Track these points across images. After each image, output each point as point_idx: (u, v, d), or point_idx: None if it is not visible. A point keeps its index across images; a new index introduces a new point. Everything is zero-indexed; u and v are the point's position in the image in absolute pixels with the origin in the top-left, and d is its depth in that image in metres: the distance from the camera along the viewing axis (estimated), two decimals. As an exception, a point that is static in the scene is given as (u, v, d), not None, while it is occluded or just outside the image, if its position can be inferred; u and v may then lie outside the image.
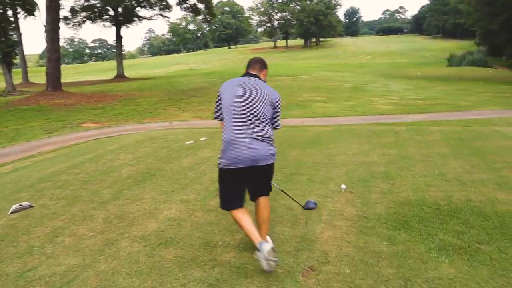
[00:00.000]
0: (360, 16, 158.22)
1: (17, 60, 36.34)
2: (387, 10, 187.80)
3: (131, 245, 3.64)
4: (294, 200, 4.43)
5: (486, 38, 57.27)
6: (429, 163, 5.88)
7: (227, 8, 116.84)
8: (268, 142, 3.22)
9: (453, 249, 3.33)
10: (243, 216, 3.27)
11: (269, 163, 3.25)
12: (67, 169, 6.54)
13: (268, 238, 3.41)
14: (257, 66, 3.50)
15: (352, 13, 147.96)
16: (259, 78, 3.43)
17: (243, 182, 3.32)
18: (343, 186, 4.81)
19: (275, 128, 3.42)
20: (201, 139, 8.17)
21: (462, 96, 19.20)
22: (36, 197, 5.17)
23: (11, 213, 4.63)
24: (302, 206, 4.29)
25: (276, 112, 3.35)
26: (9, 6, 29.92)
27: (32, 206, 4.80)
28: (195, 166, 6.18)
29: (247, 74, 3.43)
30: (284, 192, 4.40)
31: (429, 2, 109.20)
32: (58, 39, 23.17)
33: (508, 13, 46.13)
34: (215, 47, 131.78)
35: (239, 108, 3.17)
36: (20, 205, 4.77)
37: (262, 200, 3.37)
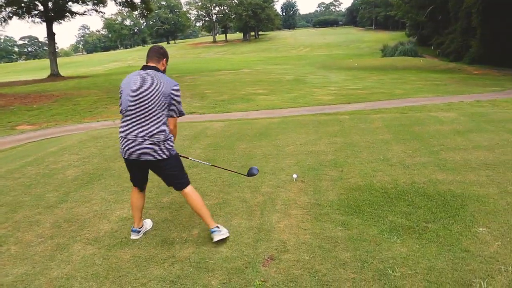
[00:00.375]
0: (297, 9, 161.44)
1: None
2: (322, 3, 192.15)
3: (84, 248, 3.51)
4: (235, 171, 4.61)
5: (415, 29, 60.27)
6: (374, 149, 6.13)
7: (164, 3, 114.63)
8: (156, 139, 3.27)
9: (403, 230, 3.50)
10: (133, 194, 3.68)
11: (157, 158, 3.30)
12: (5, 174, 6.16)
13: None
14: (154, 57, 3.50)
15: (289, 6, 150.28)
16: (158, 69, 3.42)
17: (136, 170, 3.55)
18: (294, 176, 4.90)
19: (179, 116, 3.45)
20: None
21: (397, 85, 20.10)
22: (-27, 205, 4.84)
23: None
24: (244, 175, 4.29)
25: (172, 103, 3.32)
26: None
27: (-30, 215, 4.50)
28: (144, 164, 6.04)
29: (144, 67, 3.46)
30: (217, 167, 4.61)
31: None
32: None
33: (434, 5, 48.80)
34: (153, 42, 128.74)
35: (131, 106, 3.28)
36: (-44, 214, 4.45)
37: (182, 194, 3.55)
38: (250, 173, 4.17)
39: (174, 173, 3.45)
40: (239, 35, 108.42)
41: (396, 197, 4.23)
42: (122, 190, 4.90)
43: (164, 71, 3.50)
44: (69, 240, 3.68)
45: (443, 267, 2.90)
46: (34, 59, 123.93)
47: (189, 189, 3.50)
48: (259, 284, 2.84)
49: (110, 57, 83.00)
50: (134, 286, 2.91)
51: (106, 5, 38.78)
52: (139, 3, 37.63)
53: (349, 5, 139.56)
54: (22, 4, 34.49)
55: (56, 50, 40.39)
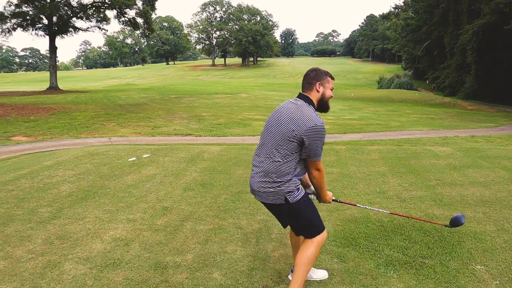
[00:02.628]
0: (296, 38, 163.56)
1: None
2: (321, 33, 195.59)
3: (76, 267, 3.44)
4: (430, 221, 4.03)
5: (412, 63, 61.39)
6: (370, 181, 6.13)
7: (165, 24, 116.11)
8: (268, 178, 2.77)
9: (400, 264, 3.47)
10: (291, 234, 3.28)
11: (272, 203, 2.83)
12: (-2, 186, 6.10)
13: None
14: (305, 83, 2.91)
15: (288, 34, 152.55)
16: (308, 98, 2.84)
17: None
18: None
19: (312, 160, 2.76)
20: (144, 156, 7.96)
21: (393, 117, 20.30)
22: (-36, 217, 4.76)
23: None
24: (447, 226, 3.39)
25: (305, 144, 2.68)
26: None
27: (-40, 227, 4.42)
28: (140, 184, 6.00)
29: (298, 95, 2.93)
30: (399, 215, 4.17)
31: (359, 27, 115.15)
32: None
33: (430, 41, 49.81)
34: (153, 62, 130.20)
35: (263, 136, 2.92)
36: None
37: (300, 240, 3.10)
38: (456, 223, 3.30)
39: (291, 218, 2.93)
40: (238, 60, 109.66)
41: (393, 231, 4.21)
42: (116, 210, 4.84)
43: (322, 98, 2.88)
44: (61, 258, 3.61)
45: (440, 305, 2.87)
46: (34, 70, 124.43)
47: (318, 239, 2.92)
48: (254, 314, 2.79)
49: (109, 74, 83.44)
50: (125, 309, 2.85)
51: (109, 23, 39.35)
52: (142, 23, 38.11)
53: (347, 36, 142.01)
54: (28, 17, 34.80)
55: (57, 63, 40.54)
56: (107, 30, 55.75)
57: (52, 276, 3.29)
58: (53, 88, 36.39)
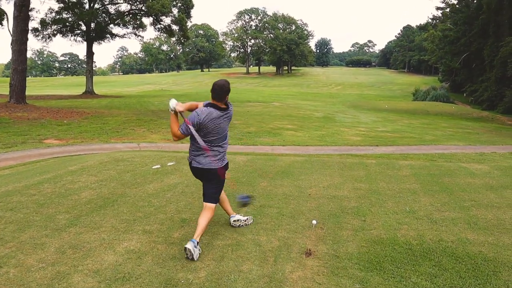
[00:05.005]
0: (331, 48, 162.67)
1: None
2: (357, 43, 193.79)
3: (84, 280, 3.32)
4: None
5: (449, 75, 59.68)
6: (400, 199, 5.81)
7: (201, 31, 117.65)
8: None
9: (428, 295, 3.19)
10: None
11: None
12: (22, 189, 6.11)
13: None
14: (221, 95, 4.07)
15: (323, 44, 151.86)
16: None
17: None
18: (314, 222, 4.64)
19: None
20: (169, 164, 7.88)
21: (427, 130, 19.67)
22: (-17, 220, 4.75)
23: (-47, 237, 4.22)
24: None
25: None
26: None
27: (-22, 231, 4.40)
28: (161, 193, 5.89)
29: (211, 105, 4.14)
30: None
31: (395, 38, 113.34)
32: (25, 50, 22.52)
33: (468, 53, 48.39)
34: (188, 69, 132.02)
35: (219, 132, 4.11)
36: (-35, 228, 4.37)
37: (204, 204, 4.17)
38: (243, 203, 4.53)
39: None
40: (272, 68, 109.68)
41: (421, 255, 3.91)
42: (133, 220, 4.72)
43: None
44: (70, 269, 3.50)
45: None
46: (72, 75, 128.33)
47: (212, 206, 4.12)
48: None
49: (144, 80, 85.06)
50: (128, 330, 2.69)
51: (145, 30, 40.13)
52: (177, 30, 38.65)
53: (383, 47, 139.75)
54: (67, 23, 35.98)
55: (94, 68, 41.66)
56: (143, 37, 57.12)
57: (59, 289, 3.18)
58: (89, 92, 37.34)
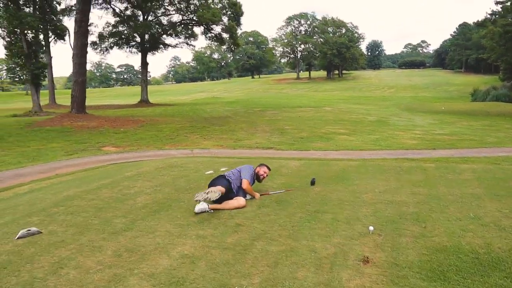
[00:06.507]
0: (383, 50, 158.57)
1: (45, 82, 37.27)
2: (409, 44, 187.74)
3: (140, 283, 3.34)
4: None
5: (510, 73, 56.38)
6: (463, 205, 5.47)
7: (251, 39, 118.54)
8: None
9: (499, 308, 2.95)
10: None
11: None
12: (81, 194, 6.34)
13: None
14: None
15: (374, 46, 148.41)
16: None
17: None
18: (371, 228, 4.45)
19: None
20: (221, 169, 7.90)
21: (489, 132, 18.63)
22: (46, 222, 4.95)
23: (18, 238, 4.41)
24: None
25: None
26: (41, 30, 30.83)
27: (40, 232, 4.58)
28: (214, 197, 5.90)
29: None
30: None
31: (451, 37, 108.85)
32: (85, 63, 23.64)
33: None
34: (238, 76, 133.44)
35: None
36: (29, 230, 4.55)
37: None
38: None
39: None
40: (322, 73, 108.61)
41: (490, 266, 3.63)
42: (187, 224, 4.74)
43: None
44: (126, 272, 3.54)
45: None
46: (128, 85, 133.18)
47: None
48: None
49: (197, 88, 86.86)
50: (183, 336, 2.66)
51: (196, 39, 40.95)
52: (228, 38, 39.17)
53: (438, 47, 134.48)
54: (123, 36, 37.56)
55: (148, 78, 43.06)
56: (194, 46, 58.62)
57: (115, 292, 3.22)
58: (144, 101, 38.60)
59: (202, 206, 5.19)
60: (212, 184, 5.54)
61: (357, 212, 5.17)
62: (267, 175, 6.33)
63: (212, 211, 5.22)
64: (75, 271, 3.60)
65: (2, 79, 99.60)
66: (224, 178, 5.74)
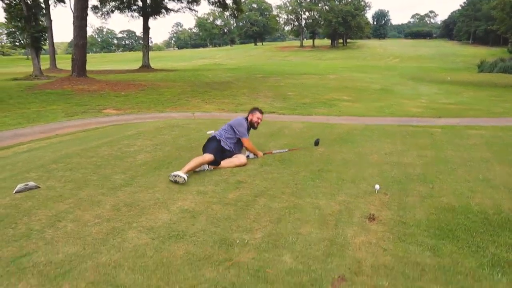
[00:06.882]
0: (389, 19, 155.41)
1: (46, 47, 36.74)
2: (417, 14, 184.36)
3: (138, 237, 3.24)
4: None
5: (520, 45, 55.47)
6: (471, 168, 5.34)
7: (255, 5, 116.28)
8: None
9: (510, 266, 2.85)
10: None
11: None
12: (81, 151, 6.21)
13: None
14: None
15: (381, 15, 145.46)
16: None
17: None
18: (377, 187, 4.32)
19: None
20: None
21: (496, 102, 18.36)
22: (44, 178, 4.83)
23: (15, 192, 4.30)
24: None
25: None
26: (40, -8, 30.21)
27: (38, 187, 4.46)
28: (215, 156, 5.77)
29: None
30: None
31: (460, 8, 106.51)
32: (85, 26, 23.17)
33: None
34: (241, 43, 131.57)
35: None
36: (26, 184, 4.43)
37: None
38: None
39: None
40: (326, 41, 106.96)
41: (500, 226, 3.52)
42: (188, 181, 4.62)
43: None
44: (125, 226, 3.44)
45: None
46: (129, 51, 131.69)
47: None
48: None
49: (199, 54, 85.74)
50: (182, 286, 2.56)
51: (199, 4, 40.05)
52: (231, 4, 38.30)
53: (446, 17, 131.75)
54: (124, 0, 36.78)
55: (150, 44, 42.45)
56: (197, 11, 57.27)
57: (113, 243, 3.12)
58: (145, 66, 38.11)
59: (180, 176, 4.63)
60: (204, 150, 5.32)
61: (362, 172, 5.04)
62: (261, 120, 6.06)
63: (212, 168, 5.09)
64: (73, 224, 3.49)
65: (3, 43, 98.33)
66: (215, 139, 5.54)
